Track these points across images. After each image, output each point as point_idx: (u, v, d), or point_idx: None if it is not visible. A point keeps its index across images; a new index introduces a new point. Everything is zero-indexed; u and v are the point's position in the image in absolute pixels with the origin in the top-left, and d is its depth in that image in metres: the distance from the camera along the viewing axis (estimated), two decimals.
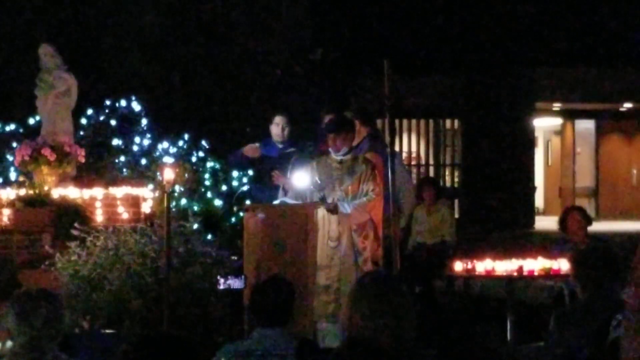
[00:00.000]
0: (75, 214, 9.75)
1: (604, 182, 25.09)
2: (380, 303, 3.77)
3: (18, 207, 10.02)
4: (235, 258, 9.03)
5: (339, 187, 8.88)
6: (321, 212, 8.74)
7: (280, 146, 10.16)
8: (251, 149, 10.33)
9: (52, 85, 10.41)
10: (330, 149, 9.00)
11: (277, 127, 10.22)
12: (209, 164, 11.21)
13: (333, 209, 8.73)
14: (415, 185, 12.83)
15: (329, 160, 9.01)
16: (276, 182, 9.57)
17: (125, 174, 10.81)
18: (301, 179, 8.90)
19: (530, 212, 22.85)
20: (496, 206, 21.63)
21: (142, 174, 10.71)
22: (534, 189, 23.31)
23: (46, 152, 10.08)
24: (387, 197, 8.91)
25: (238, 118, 10.33)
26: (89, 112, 11.14)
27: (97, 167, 10.82)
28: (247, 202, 9.90)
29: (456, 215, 18.84)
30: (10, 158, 10.66)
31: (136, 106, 11.31)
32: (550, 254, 9.00)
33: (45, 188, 10.09)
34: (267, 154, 10.22)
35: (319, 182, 8.85)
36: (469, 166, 22.60)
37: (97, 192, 10.25)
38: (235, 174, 10.82)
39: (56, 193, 10.09)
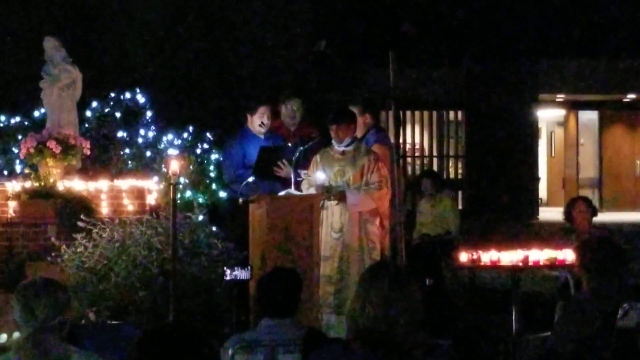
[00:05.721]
0: (81, 206, 9.77)
1: (608, 173, 25.05)
2: (394, 292, 3.77)
3: (24, 200, 10.03)
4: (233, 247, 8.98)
5: (340, 178, 8.87)
6: (325, 203, 8.73)
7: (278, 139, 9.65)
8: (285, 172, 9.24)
9: (57, 77, 10.41)
10: (332, 141, 8.98)
11: (289, 110, 9.80)
12: (214, 156, 11.21)
13: (339, 199, 8.73)
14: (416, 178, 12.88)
15: (331, 151, 8.99)
16: (278, 174, 9.16)
17: (130, 166, 10.82)
18: (320, 175, 8.77)
19: (533, 203, 22.84)
20: (500, 197, 21.62)
21: (147, 166, 10.72)
22: (537, 180, 23.30)
23: (51, 144, 10.08)
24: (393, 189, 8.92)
25: (242, 109, 10.23)
26: (94, 104, 11.14)
27: (102, 159, 10.83)
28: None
29: (459, 207, 18.86)
30: (15, 150, 10.67)
31: (141, 98, 11.31)
32: (555, 244, 9.00)
33: (51, 180, 10.09)
34: (271, 144, 9.54)
35: (324, 174, 8.83)
36: (472, 157, 22.59)
37: (103, 184, 10.26)
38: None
39: (61, 185, 10.10)
